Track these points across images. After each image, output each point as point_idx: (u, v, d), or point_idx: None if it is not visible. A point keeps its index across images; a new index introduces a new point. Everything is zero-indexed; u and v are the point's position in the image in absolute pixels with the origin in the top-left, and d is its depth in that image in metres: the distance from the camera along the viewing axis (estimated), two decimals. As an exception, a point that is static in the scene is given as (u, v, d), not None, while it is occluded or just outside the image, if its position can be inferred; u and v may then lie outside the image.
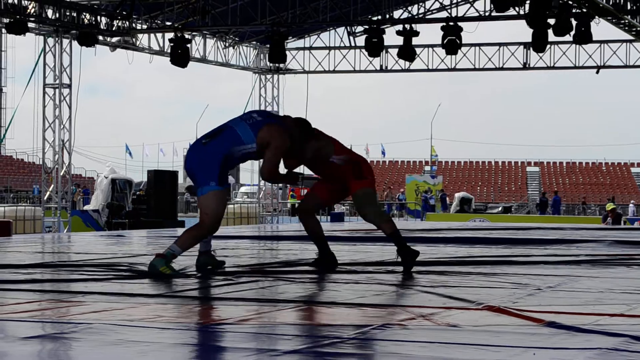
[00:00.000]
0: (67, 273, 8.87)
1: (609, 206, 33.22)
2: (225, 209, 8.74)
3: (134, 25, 28.86)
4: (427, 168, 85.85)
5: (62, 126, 27.90)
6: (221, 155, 8.39)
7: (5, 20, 25.42)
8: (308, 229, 9.47)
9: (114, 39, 29.14)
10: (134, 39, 29.49)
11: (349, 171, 9.17)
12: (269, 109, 34.70)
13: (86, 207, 36.63)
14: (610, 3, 24.51)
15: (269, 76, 34.84)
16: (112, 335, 5.00)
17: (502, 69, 32.26)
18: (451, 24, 26.10)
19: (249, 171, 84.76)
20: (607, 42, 30.93)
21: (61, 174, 27.98)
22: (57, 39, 27.65)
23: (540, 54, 30.06)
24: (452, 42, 26.21)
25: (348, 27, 31.23)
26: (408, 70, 32.85)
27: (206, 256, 8.88)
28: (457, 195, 42.77)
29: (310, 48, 33.86)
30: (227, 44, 32.65)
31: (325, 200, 9.65)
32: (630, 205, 65.89)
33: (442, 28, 26.23)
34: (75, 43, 27.49)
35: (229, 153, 8.43)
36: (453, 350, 4.66)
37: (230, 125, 8.60)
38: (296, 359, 4.27)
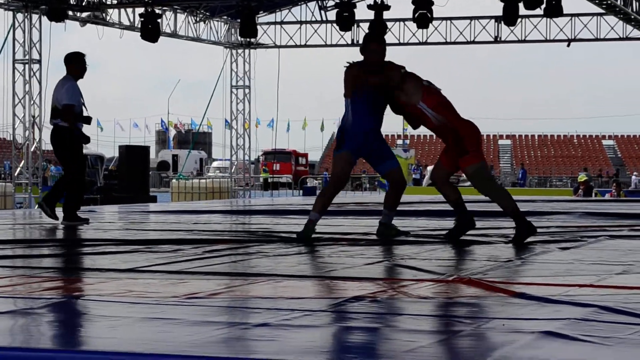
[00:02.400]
0: (38, 249, 8.83)
1: (581, 178, 33.31)
2: (346, 168, 9.49)
3: (104, 0, 28.67)
4: (400, 142, 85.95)
5: (32, 102, 27.75)
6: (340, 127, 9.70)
7: (-27, -4, 25.22)
8: (447, 197, 9.38)
9: (84, 14, 28.94)
10: (104, 14, 29.30)
11: (451, 142, 9.03)
12: (240, 83, 34.67)
13: (57, 183, 36.49)
14: (581, -24, 24.57)
15: (240, 51, 34.73)
16: (82, 310, 4.98)
17: (473, 42, 32.28)
18: (422, -3, 26.10)
19: (221, 146, 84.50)
20: (577, 15, 31.02)
21: (32, 149, 27.84)
22: (26, 14, 27.45)
23: (512, 28, 30.09)
24: (423, 16, 26.25)
25: (319, 2, 31.15)
26: (379, 44, 32.76)
27: (383, 227, 9.64)
28: (429, 168, 42.74)
29: (282, 22, 33.76)
30: (197, 19, 32.51)
31: (451, 169, 9.41)
32: (633, 176, 66.59)
33: (413, 2, 26.26)
34: (44, 18, 27.30)
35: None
36: (424, 322, 4.68)
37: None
38: (266, 331, 4.28)
